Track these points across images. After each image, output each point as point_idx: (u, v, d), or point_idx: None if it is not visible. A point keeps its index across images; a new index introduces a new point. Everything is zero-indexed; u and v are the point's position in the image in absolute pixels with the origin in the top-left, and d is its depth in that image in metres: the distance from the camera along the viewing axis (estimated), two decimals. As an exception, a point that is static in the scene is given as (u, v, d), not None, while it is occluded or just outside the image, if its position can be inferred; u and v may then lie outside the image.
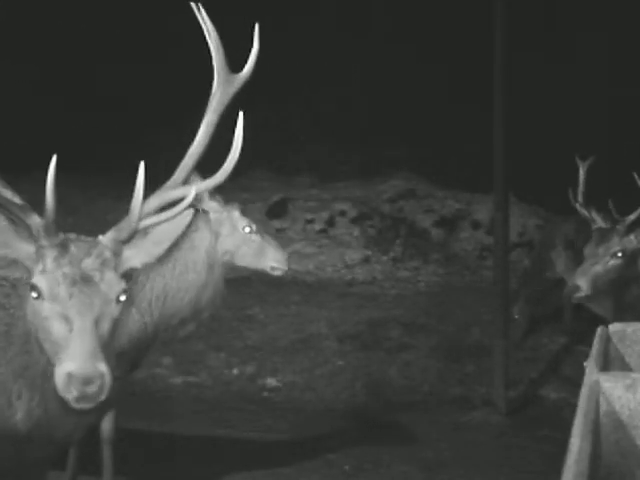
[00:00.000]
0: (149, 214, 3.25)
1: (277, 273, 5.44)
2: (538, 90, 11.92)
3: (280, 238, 10.47)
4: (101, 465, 5.37)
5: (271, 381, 7.80)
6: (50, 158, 3.11)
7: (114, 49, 12.91)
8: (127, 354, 5.21)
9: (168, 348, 7.31)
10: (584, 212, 5.88)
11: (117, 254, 3.11)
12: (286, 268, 5.43)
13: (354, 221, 10.95)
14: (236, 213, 5.36)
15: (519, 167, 7.75)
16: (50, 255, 3.03)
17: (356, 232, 10.82)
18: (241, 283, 8.59)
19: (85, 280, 2.98)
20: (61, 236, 3.11)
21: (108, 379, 2.86)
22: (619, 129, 11.57)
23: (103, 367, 2.84)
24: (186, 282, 5.20)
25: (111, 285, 3.02)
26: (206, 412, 7.17)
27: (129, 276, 3.18)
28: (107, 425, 5.36)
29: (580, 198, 6.12)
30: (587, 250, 5.59)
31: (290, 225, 10.98)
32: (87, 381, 2.82)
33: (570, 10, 12.23)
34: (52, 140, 11.58)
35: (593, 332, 3.32)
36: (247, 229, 5.34)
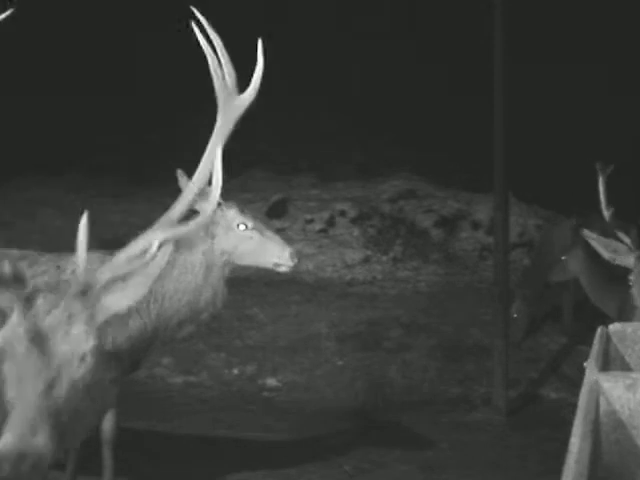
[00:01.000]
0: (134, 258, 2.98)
1: (282, 270, 5.25)
2: (538, 90, 11.92)
3: (280, 238, 10.47)
4: (101, 465, 5.37)
5: (271, 381, 7.80)
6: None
7: (113, 49, 12.91)
8: (126, 354, 5.21)
9: (168, 348, 7.31)
10: (619, 235, 5.51)
11: (89, 306, 2.81)
12: (291, 264, 5.22)
13: (354, 221, 10.94)
14: (230, 212, 5.26)
15: (519, 167, 7.75)
16: (15, 309, 2.73)
17: (356, 232, 10.81)
18: (241, 283, 8.58)
19: (45, 338, 2.68)
20: (29, 288, 2.82)
21: (46, 457, 2.54)
22: (619, 129, 11.57)
23: (41, 443, 2.53)
24: (183, 284, 5.18)
25: (77, 342, 2.70)
26: (206, 412, 7.17)
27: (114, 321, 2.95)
28: (107, 425, 5.35)
29: (605, 212, 5.81)
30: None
31: (290, 225, 10.98)
32: (19, 459, 2.49)
33: (570, 10, 12.23)
34: (51, 140, 11.60)
35: (593, 332, 3.32)
36: (242, 227, 5.24)
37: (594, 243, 5.53)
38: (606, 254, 5.49)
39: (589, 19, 12.26)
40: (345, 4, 13.60)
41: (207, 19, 3.25)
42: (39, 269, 5.18)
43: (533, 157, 11.01)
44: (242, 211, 5.27)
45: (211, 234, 5.22)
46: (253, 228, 5.23)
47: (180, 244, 5.26)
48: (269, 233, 5.29)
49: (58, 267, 5.19)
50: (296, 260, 5.24)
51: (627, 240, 5.44)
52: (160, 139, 12.23)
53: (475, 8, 9.18)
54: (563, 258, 6.96)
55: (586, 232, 5.55)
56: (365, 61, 13.27)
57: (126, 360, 5.25)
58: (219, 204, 5.24)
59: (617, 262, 5.44)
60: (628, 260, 5.39)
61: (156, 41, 12.86)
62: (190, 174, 5.52)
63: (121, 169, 11.76)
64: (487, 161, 7.30)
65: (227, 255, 5.22)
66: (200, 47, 3.26)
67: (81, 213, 2.93)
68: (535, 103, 11.58)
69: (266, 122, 12.84)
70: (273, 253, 5.22)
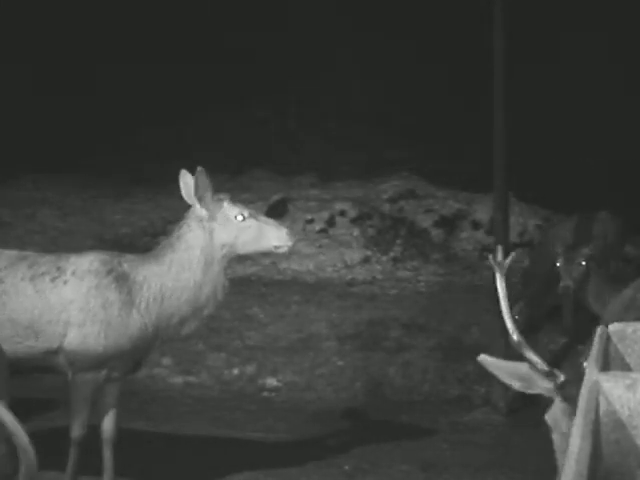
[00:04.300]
0: None
1: (282, 251, 5.37)
2: (538, 90, 11.91)
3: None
4: (101, 465, 5.37)
5: (271, 381, 7.80)
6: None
7: (114, 48, 12.90)
8: (128, 354, 5.22)
9: (168, 348, 7.31)
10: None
11: None
12: (290, 243, 5.32)
13: (354, 221, 10.93)
14: (224, 204, 5.28)
15: (519, 167, 7.74)
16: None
17: (356, 232, 10.80)
18: (241, 283, 8.58)
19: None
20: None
21: None
22: (619, 129, 11.57)
23: None
24: (182, 282, 5.19)
25: None
26: (206, 412, 7.17)
27: None
28: (108, 425, 5.35)
29: None
30: None
31: (290, 225, 10.95)
32: None
33: (571, 9, 12.22)
34: (51, 140, 11.59)
35: (593, 332, 3.32)
36: (240, 217, 5.26)
37: (495, 371, 4.28)
38: (515, 384, 4.26)
39: (590, 17, 12.25)
40: (345, 3, 13.59)
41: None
42: (39, 270, 5.18)
43: (533, 157, 11.00)
44: (233, 202, 5.31)
45: (209, 229, 5.21)
46: (250, 216, 5.27)
47: (177, 243, 5.27)
48: (263, 218, 5.41)
49: (58, 268, 5.19)
50: (294, 238, 5.38)
51: (538, 360, 4.09)
52: (160, 139, 12.21)
53: (475, 7, 9.18)
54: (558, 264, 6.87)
55: (483, 358, 4.20)
56: (365, 61, 13.26)
57: (128, 360, 5.26)
58: (213, 198, 5.25)
59: (530, 392, 4.19)
60: (544, 389, 4.09)
61: (157, 41, 12.87)
62: (190, 173, 5.53)
63: (121, 169, 11.75)
64: (487, 161, 7.29)
65: (228, 247, 5.23)
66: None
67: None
68: (535, 103, 11.58)
69: (266, 121, 12.83)
70: (272, 236, 5.29)
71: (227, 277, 5.32)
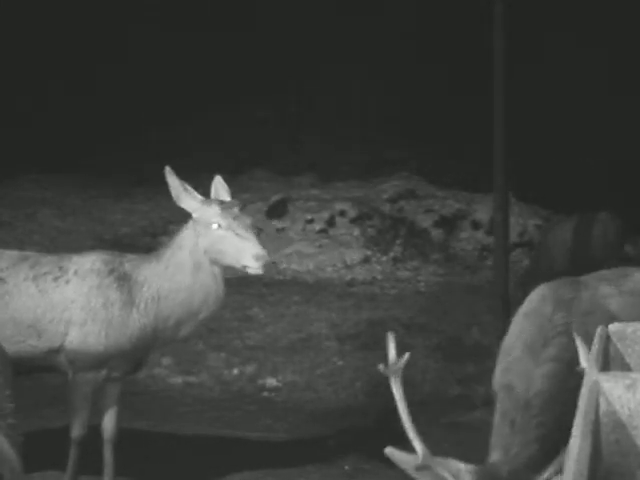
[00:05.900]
0: None
1: (251, 272, 5.10)
2: (538, 90, 11.92)
3: (280, 238, 10.46)
4: (101, 465, 5.38)
5: (271, 381, 7.80)
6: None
7: (113, 48, 12.91)
8: (129, 354, 5.23)
9: (168, 348, 7.31)
10: None
11: None
12: (258, 267, 5.02)
13: (354, 221, 10.94)
14: (210, 210, 5.14)
15: (519, 167, 7.75)
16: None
17: (356, 232, 10.81)
18: (241, 283, 8.58)
19: None
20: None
21: None
22: (619, 129, 11.57)
23: None
24: (176, 283, 5.17)
25: None
26: (206, 412, 7.17)
27: None
28: (109, 425, 5.36)
29: None
30: None
31: (290, 225, 10.97)
32: None
33: (571, 9, 12.23)
34: (52, 140, 11.60)
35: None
36: (214, 226, 5.09)
37: (402, 465, 3.94)
38: (422, 478, 3.87)
39: (590, 17, 12.26)
40: (345, 3, 13.60)
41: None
42: (41, 270, 5.19)
43: (533, 157, 11.01)
44: (223, 208, 5.12)
45: (197, 232, 5.16)
46: (227, 227, 5.10)
47: (172, 242, 5.26)
48: (243, 232, 5.08)
49: (61, 268, 5.20)
50: (262, 262, 5.03)
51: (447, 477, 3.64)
52: (160, 139, 12.22)
53: (475, 7, 9.19)
54: None
55: (390, 452, 3.96)
56: (365, 60, 13.27)
57: (128, 360, 5.27)
58: (201, 201, 5.18)
59: None
60: None
61: (157, 41, 12.87)
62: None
63: (121, 169, 11.76)
64: (487, 161, 7.30)
65: (210, 254, 5.14)
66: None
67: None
68: (535, 103, 11.59)
69: (266, 121, 12.84)
70: (244, 254, 5.05)
71: (224, 284, 5.23)
